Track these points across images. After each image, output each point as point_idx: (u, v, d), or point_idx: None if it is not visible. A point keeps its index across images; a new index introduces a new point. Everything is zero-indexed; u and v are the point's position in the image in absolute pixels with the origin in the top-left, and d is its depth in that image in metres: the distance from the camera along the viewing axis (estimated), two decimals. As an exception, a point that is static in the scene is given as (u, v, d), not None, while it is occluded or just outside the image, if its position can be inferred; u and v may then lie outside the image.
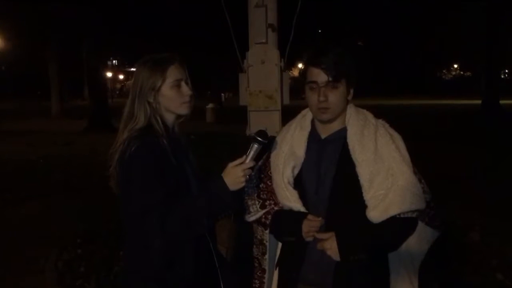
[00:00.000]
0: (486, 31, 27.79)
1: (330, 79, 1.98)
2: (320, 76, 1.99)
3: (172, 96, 2.08)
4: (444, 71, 65.56)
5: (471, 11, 31.41)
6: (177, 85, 2.08)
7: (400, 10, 35.29)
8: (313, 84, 2.02)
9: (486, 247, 4.93)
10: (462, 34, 37.37)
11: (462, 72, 65.19)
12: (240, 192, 2.05)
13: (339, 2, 30.24)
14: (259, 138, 1.98)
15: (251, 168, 1.99)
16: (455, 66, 64.20)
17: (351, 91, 2.07)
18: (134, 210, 1.97)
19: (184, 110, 2.12)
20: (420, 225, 2.00)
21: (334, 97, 2.00)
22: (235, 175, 1.95)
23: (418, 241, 2.01)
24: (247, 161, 1.97)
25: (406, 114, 24.59)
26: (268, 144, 2.05)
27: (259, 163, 2.27)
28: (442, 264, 3.68)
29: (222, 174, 1.97)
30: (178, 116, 2.16)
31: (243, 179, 1.95)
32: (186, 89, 2.10)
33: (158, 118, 2.08)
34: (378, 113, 2.18)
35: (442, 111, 30.46)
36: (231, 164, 1.97)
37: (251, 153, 1.98)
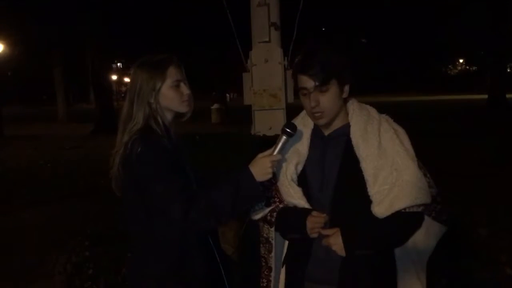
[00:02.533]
0: (491, 25, 27.66)
1: (317, 83, 1.97)
2: (308, 82, 1.99)
3: (172, 96, 2.12)
4: (449, 66, 65.23)
5: (476, 5, 31.25)
6: (176, 85, 2.12)
7: (404, 5, 35.14)
8: (304, 90, 2.02)
9: (495, 243, 4.89)
10: (467, 28, 37.17)
11: (467, 67, 64.83)
12: (266, 184, 2.06)
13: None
14: (288, 130, 1.99)
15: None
16: (461, 61, 63.83)
17: (346, 88, 2.05)
18: (155, 205, 1.99)
19: (184, 108, 2.15)
20: (427, 220, 1.99)
21: (326, 100, 1.99)
22: (263, 166, 1.97)
23: (426, 236, 2.00)
24: (275, 152, 1.99)
25: (411, 110, 24.48)
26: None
27: None
28: (451, 260, 3.66)
29: (250, 165, 1.99)
30: (179, 116, 2.19)
31: (270, 170, 1.97)
32: (184, 89, 2.14)
33: (159, 119, 2.11)
34: (383, 110, 2.17)
35: (447, 106, 30.31)
36: (260, 155, 2.00)
37: (279, 145, 1.99)
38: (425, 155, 2.05)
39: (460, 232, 4.51)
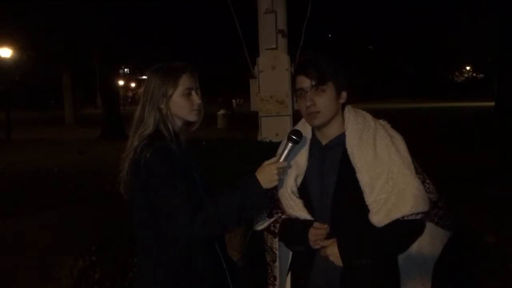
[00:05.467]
0: (499, 32, 27.60)
1: (314, 83, 2.00)
2: (304, 82, 2.02)
3: (182, 104, 2.14)
4: (456, 73, 65.00)
5: (483, 12, 31.19)
6: (187, 94, 2.15)
7: (411, 12, 35.11)
8: (301, 91, 2.05)
9: (502, 250, 4.87)
10: (475, 35, 37.08)
11: (474, 74, 64.59)
12: (272, 191, 2.07)
13: (348, 7, 30.18)
14: (294, 137, 2.00)
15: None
16: (467, 68, 63.60)
17: (343, 94, 2.06)
18: (163, 210, 2.01)
19: (193, 116, 2.17)
20: (430, 226, 1.98)
21: (322, 100, 2.01)
22: (269, 173, 1.97)
23: (431, 242, 1.99)
24: (281, 160, 1.99)
25: (418, 117, 24.41)
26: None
27: None
28: (457, 267, 3.65)
29: (256, 172, 1.99)
30: (187, 124, 2.21)
31: (276, 177, 1.97)
32: (195, 98, 2.16)
33: (169, 124, 2.13)
34: (388, 117, 2.17)
35: (454, 113, 30.20)
36: (266, 162, 2.00)
37: (285, 152, 1.99)
38: (429, 162, 2.04)
39: (467, 240, 4.50)
